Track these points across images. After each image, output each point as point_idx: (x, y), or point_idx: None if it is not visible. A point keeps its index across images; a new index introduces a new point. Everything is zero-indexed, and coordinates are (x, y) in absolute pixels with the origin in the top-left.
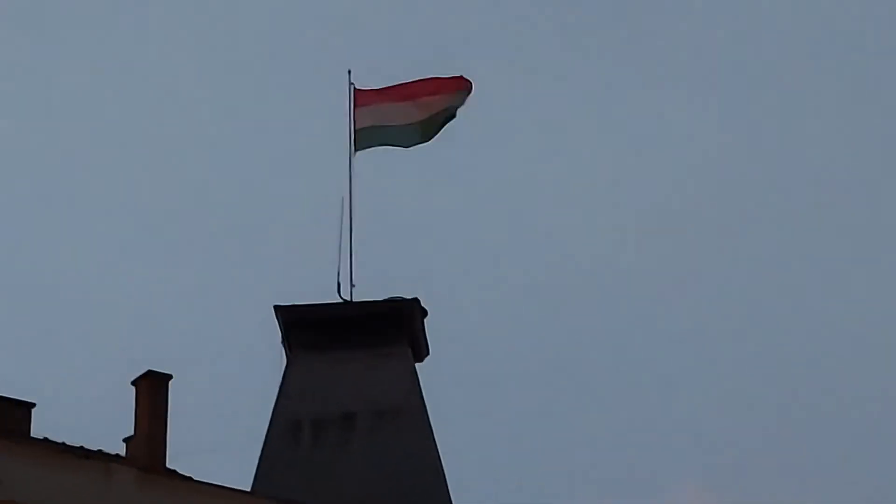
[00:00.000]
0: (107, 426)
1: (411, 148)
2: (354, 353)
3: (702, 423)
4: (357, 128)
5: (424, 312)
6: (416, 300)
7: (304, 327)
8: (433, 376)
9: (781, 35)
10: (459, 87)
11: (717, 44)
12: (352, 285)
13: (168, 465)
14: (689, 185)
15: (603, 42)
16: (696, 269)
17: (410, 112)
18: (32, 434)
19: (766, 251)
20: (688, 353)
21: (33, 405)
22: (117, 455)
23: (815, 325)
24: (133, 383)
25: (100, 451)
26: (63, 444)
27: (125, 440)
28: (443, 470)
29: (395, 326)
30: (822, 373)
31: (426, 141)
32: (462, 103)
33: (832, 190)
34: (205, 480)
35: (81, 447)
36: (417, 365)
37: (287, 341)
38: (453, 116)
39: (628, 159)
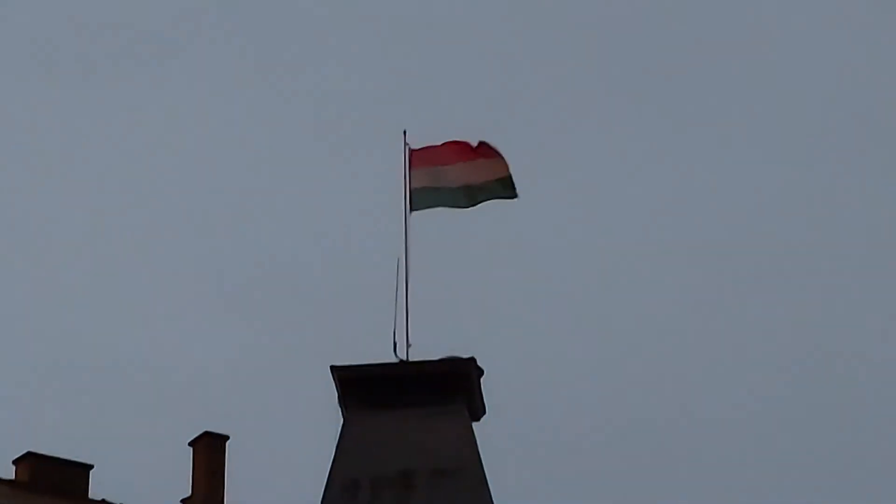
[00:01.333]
0: (164, 487)
1: (465, 209)
2: (411, 413)
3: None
4: (413, 188)
5: (481, 372)
6: (472, 359)
7: (360, 387)
8: (490, 435)
9: (807, 81)
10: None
11: (749, 93)
12: (408, 345)
13: None
14: (739, 231)
15: (648, 98)
16: (754, 324)
17: (463, 174)
18: (90, 495)
19: (819, 291)
20: (751, 406)
21: (91, 467)
22: None
23: (873, 361)
24: (190, 444)
25: None
26: None
27: (183, 501)
28: None
29: (452, 385)
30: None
31: (473, 205)
32: (508, 190)
33: (876, 227)
34: None
35: None
36: (474, 424)
37: (344, 401)
38: (512, 196)
39: (686, 210)
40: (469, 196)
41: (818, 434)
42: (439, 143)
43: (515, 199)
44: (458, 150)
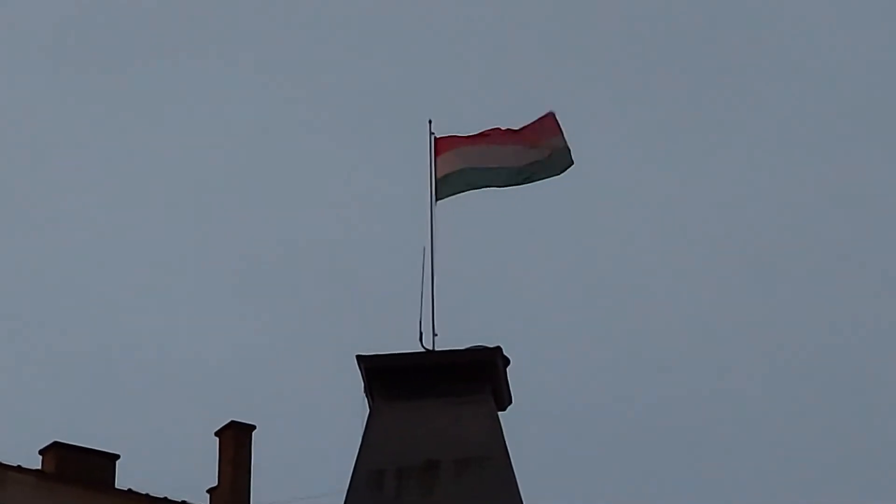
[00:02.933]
0: (190, 476)
1: (495, 191)
2: (437, 402)
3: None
4: (438, 176)
5: (507, 361)
6: (498, 348)
7: (386, 376)
8: (516, 424)
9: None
10: (551, 133)
11: (751, 93)
12: (434, 334)
13: None
14: (774, 235)
15: (682, 95)
16: (784, 319)
17: (499, 155)
18: (117, 485)
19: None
20: (781, 403)
21: (117, 456)
22: None
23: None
24: (216, 434)
25: (183, 501)
26: (147, 494)
27: (209, 490)
28: None
29: (478, 375)
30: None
31: (518, 184)
32: (559, 154)
33: (878, 227)
34: None
35: (165, 498)
36: (500, 414)
37: (369, 390)
38: (562, 167)
39: (709, 207)
40: (499, 177)
41: (825, 434)
42: (464, 133)
43: (559, 174)
44: (486, 135)
